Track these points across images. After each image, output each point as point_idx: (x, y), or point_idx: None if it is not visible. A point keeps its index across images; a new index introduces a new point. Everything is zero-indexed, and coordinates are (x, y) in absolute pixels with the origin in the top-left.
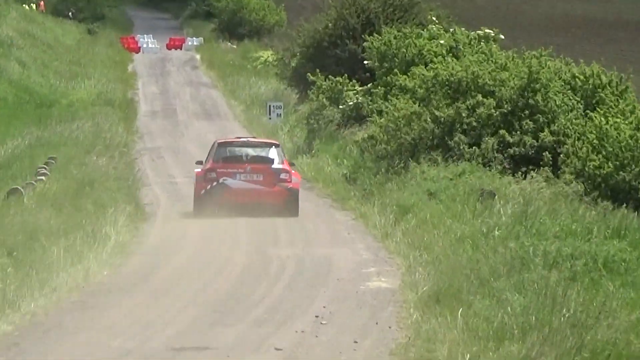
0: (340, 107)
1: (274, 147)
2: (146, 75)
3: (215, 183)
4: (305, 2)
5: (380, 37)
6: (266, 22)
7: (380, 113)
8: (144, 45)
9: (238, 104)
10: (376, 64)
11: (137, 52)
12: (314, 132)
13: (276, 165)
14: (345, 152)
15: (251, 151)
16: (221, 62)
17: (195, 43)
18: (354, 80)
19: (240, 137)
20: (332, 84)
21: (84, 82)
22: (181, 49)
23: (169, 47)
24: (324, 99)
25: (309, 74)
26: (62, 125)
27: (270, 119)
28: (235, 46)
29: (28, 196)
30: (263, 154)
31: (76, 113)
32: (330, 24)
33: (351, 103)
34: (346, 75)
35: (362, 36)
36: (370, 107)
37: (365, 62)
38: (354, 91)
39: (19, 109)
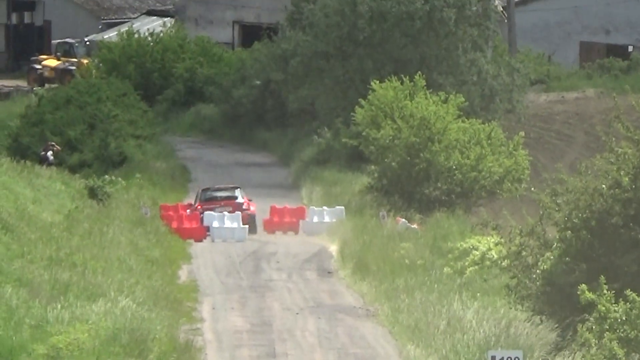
0: None
1: (237, 189)
2: (220, 292)
3: (201, 215)
4: (573, 127)
5: None
6: (485, 172)
7: None
8: (215, 225)
9: (424, 356)
10: None
11: (200, 239)
12: None
13: (239, 200)
14: None
15: (223, 193)
16: (385, 261)
17: (327, 218)
18: None
19: (216, 186)
20: (631, 310)
21: (83, 307)
22: (297, 232)
23: (269, 227)
24: (614, 344)
25: (581, 286)
26: None
27: None
28: (415, 226)
29: None
30: (230, 194)
31: None
32: (626, 178)
33: None
34: None
35: None
36: None
37: None
38: None
39: None
